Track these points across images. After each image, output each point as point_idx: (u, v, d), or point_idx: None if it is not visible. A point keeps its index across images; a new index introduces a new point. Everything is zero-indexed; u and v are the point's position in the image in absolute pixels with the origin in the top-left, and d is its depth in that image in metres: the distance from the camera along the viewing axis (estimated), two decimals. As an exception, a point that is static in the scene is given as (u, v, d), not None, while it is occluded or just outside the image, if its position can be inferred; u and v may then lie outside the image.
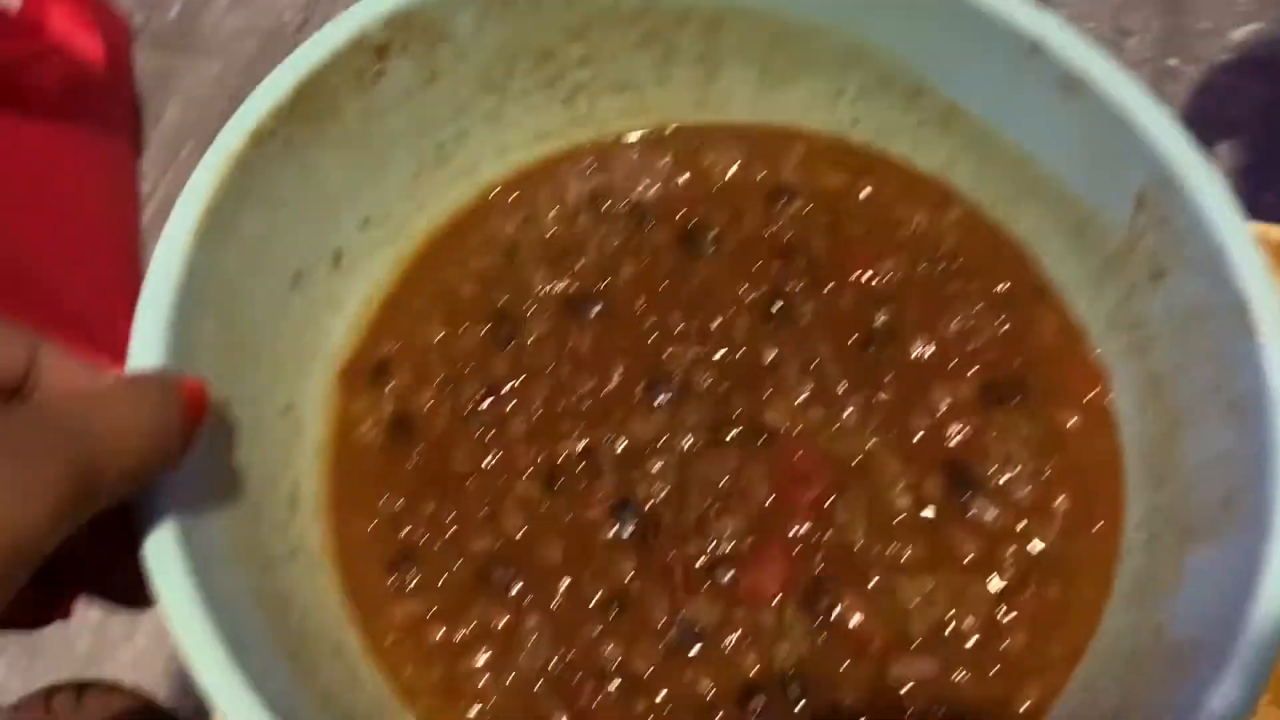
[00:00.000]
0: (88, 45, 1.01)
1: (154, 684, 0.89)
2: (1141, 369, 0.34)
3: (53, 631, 0.96)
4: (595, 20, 0.37)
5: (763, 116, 0.40)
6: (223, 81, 1.24)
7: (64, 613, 0.29)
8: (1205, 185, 0.30)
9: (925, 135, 0.38)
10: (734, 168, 0.40)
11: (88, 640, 0.96)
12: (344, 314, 0.36)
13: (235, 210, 0.31)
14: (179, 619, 0.25)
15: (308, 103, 0.33)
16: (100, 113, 1.10)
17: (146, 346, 0.28)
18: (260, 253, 0.33)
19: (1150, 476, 0.33)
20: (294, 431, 0.34)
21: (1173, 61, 1.11)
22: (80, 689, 0.72)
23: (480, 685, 0.32)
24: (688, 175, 0.40)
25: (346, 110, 0.34)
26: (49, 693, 0.71)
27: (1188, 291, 0.32)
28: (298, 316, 0.34)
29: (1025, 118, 0.35)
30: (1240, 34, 1.15)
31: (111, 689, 0.73)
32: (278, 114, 0.32)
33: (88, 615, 0.97)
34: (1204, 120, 1.13)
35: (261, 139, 0.32)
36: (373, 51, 0.34)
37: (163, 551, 0.26)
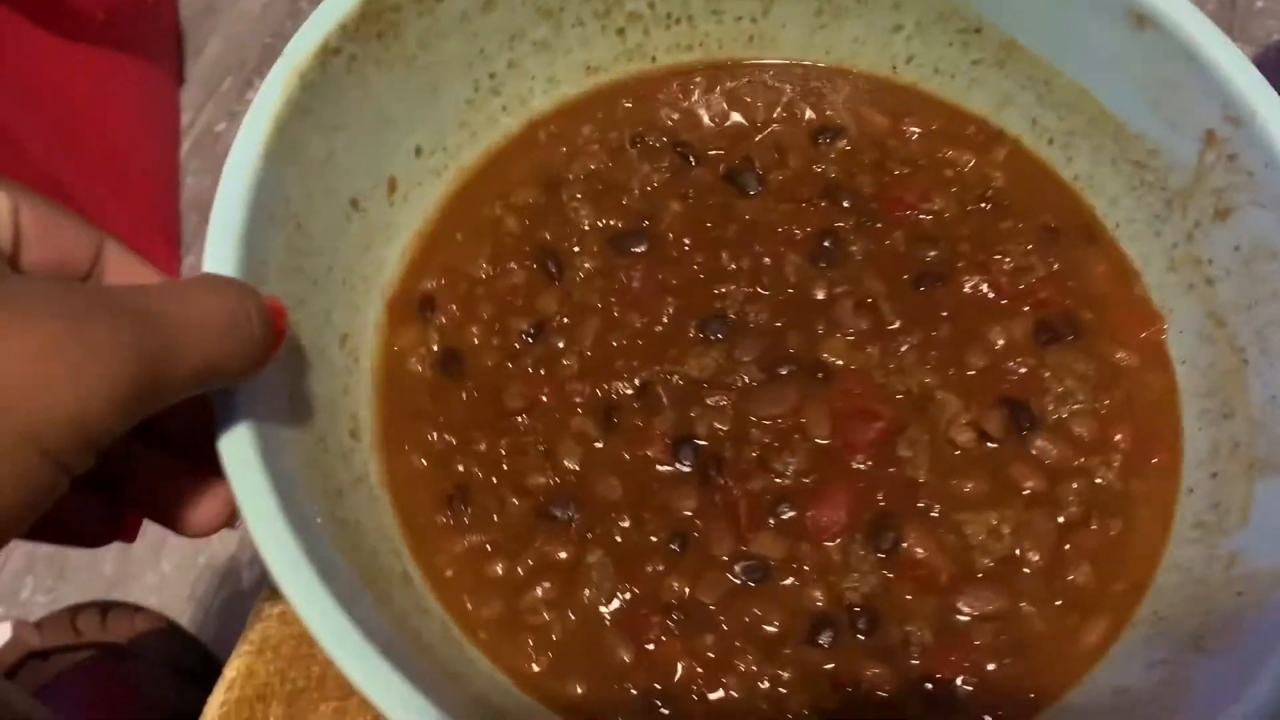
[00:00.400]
0: None
1: (178, 609, 0.88)
2: (1203, 306, 0.33)
3: (78, 553, 0.94)
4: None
5: (815, 54, 0.39)
6: (265, 17, 1.21)
7: (128, 535, 0.27)
8: (1278, 120, 0.30)
9: (981, 73, 0.37)
10: (779, 106, 0.39)
11: (113, 563, 0.94)
12: (396, 244, 0.35)
13: (300, 129, 0.30)
14: (267, 539, 0.24)
15: (372, 21, 0.31)
16: (143, 41, 1.07)
17: (220, 260, 0.27)
18: (322, 175, 0.31)
19: (1215, 412, 0.32)
20: (351, 362, 0.33)
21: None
22: (105, 609, 0.71)
23: (542, 620, 0.31)
24: (733, 113, 0.39)
25: (408, 31, 0.33)
26: (74, 611, 0.70)
27: (1255, 229, 0.31)
28: (354, 244, 0.33)
29: (1089, 54, 0.34)
30: None
31: (136, 610, 0.72)
32: (343, 30, 0.31)
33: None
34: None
35: (326, 56, 0.31)
36: None
37: (247, 468, 0.25)
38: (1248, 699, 0.24)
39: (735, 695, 0.30)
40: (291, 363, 0.29)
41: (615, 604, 0.31)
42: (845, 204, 0.37)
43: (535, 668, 0.30)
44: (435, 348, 0.35)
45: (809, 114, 0.39)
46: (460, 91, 0.36)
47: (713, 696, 0.30)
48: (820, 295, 0.35)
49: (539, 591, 0.31)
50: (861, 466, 0.32)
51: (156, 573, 0.93)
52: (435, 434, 0.33)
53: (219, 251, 0.27)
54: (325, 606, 0.23)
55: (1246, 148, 0.31)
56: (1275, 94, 0.31)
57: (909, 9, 0.37)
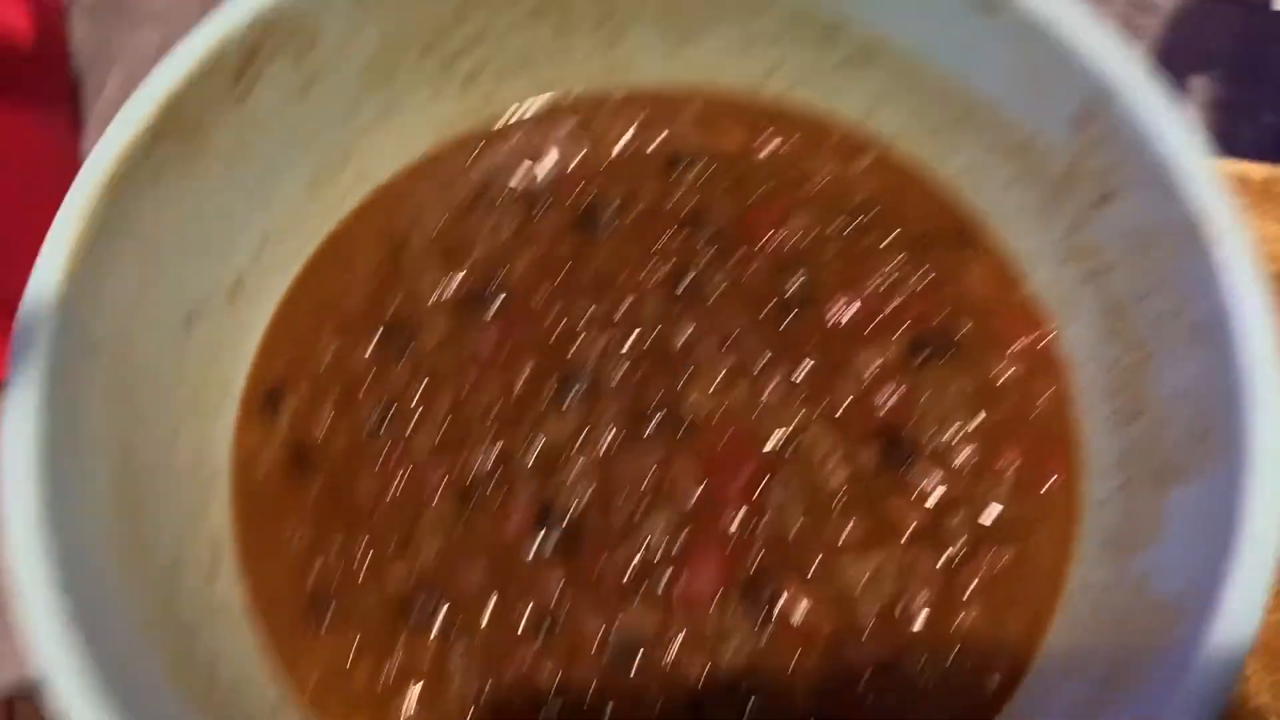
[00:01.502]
0: (13, 18, 0.95)
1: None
2: (1100, 300, 0.30)
3: None
4: (471, 5, 0.32)
5: (674, 76, 0.36)
6: (164, 49, 1.18)
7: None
8: (1145, 98, 0.27)
9: (847, 75, 0.34)
10: (626, 137, 0.36)
11: None
12: (247, 344, 0.32)
13: (110, 250, 0.27)
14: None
15: (173, 128, 0.28)
16: (32, 88, 1.03)
17: (22, 399, 0.24)
18: (145, 293, 0.29)
19: (1120, 415, 0.29)
20: (207, 476, 0.30)
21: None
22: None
23: (405, 728, 0.28)
24: (580, 150, 0.36)
25: (218, 129, 0.30)
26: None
27: (1138, 212, 0.28)
28: (196, 358, 0.30)
29: (952, 43, 0.31)
30: None
31: None
32: (139, 146, 0.28)
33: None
34: (1178, 51, 1.09)
35: (126, 176, 0.28)
36: (232, 71, 0.29)
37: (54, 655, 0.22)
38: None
39: (608, 794, 0.27)
40: (127, 503, 0.26)
41: (485, 697, 0.28)
42: (703, 235, 0.34)
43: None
44: (284, 440, 0.32)
45: (658, 142, 0.36)
46: (298, 177, 0.33)
47: (587, 796, 0.27)
48: (680, 340, 0.32)
49: (409, 697, 0.28)
50: (733, 522, 0.30)
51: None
52: (292, 536, 0.31)
53: (21, 392, 0.24)
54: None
55: (1116, 128, 0.28)
56: (1138, 69, 0.28)
57: (761, 18, 0.34)
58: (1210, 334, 0.26)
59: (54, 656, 0.23)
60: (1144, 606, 0.26)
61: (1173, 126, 0.27)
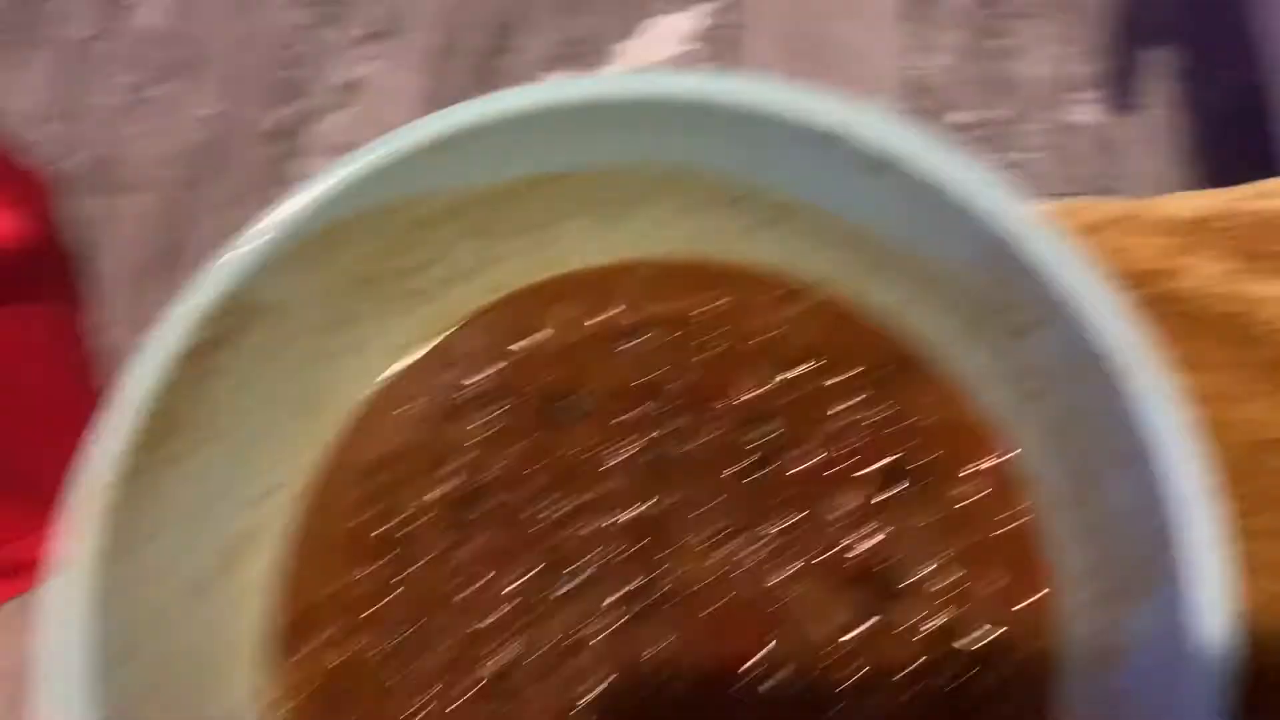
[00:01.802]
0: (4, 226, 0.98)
1: None
2: (1041, 418, 0.31)
3: None
4: (404, 234, 0.34)
5: (608, 257, 0.38)
6: (162, 214, 1.21)
7: None
8: (1037, 244, 0.28)
9: (761, 236, 0.35)
10: (572, 322, 0.37)
11: None
12: (254, 595, 0.34)
13: (121, 563, 0.29)
14: None
15: (162, 429, 0.30)
16: (23, 283, 1.06)
17: None
18: (159, 585, 0.30)
19: (1081, 529, 0.30)
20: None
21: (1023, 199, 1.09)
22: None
23: None
24: (532, 343, 0.37)
25: (201, 417, 0.32)
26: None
27: (1052, 344, 0.29)
28: (203, 620, 0.32)
29: (850, 199, 0.32)
30: None
31: None
32: (133, 457, 0.29)
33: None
34: (1138, 28, 1.09)
35: (127, 482, 0.29)
36: (196, 363, 0.31)
37: None
38: None
39: None
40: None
41: None
42: (660, 408, 0.35)
43: None
44: (314, 686, 0.34)
45: (601, 319, 0.37)
46: (276, 433, 0.34)
47: None
48: (658, 512, 0.34)
49: None
50: (746, 685, 0.31)
51: None
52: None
53: None
54: None
55: (1013, 273, 0.29)
56: (1030, 215, 0.29)
57: (674, 197, 0.35)
58: (1133, 464, 0.27)
59: None
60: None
61: (1066, 266, 0.28)
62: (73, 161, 1.21)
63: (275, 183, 1.16)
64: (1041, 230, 0.28)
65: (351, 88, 1.21)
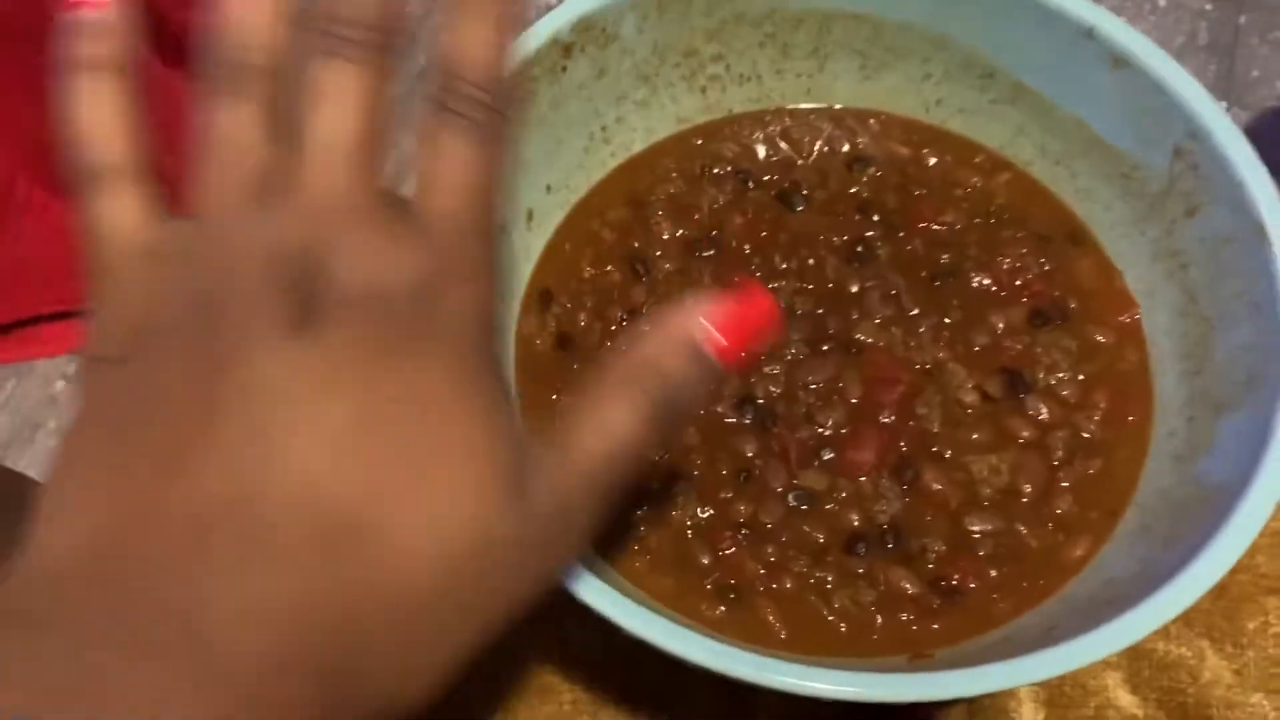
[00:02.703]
0: None
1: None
2: (1180, 288, 0.39)
3: None
4: (728, 24, 0.42)
5: (861, 101, 0.46)
6: None
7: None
8: (1228, 136, 0.36)
9: (997, 111, 0.43)
10: (821, 141, 0.45)
11: None
12: (531, 260, 0.42)
13: None
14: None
15: (519, 90, 0.39)
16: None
17: None
18: None
19: (1190, 370, 0.38)
20: (500, 348, 0.40)
21: (1224, 104, 1.16)
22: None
23: (640, 532, 0.37)
24: (784, 146, 0.45)
25: (541, 98, 0.40)
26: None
27: (1216, 222, 0.37)
28: (504, 261, 0.40)
29: (1081, 91, 0.40)
30: None
31: None
32: None
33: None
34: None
35: None
36: (561, 50, 0.40)
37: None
38: (1186, 575, 0.30)
39: (790, 588, 0.36)
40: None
41: (696, 521, 0.37)
42: (874, 218, 0.43)
43: (639, 566, 0.36)
44: (553, 331, 0.41)
45: (846, 146, 0.45)
46: (579, 142, 0.43)
47: (773, 589, 0.36)
48: (854, 289, 0.41)
49: (639, 512, 0.37)
50: (888, 420, 0.39)
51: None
52: (554, 395, 0.40)
53: None
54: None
55: (1206, 159, 0.37)
56: (1225, 117, 0.37)
57: (936, 61, 0.44)
58: (1263, 309, 0.34)
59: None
60: (1197, 493, 0.34)
61: (1247, 159, 0.36)
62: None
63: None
64: (1230, 130, 0.36)
65: None
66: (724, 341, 0.24)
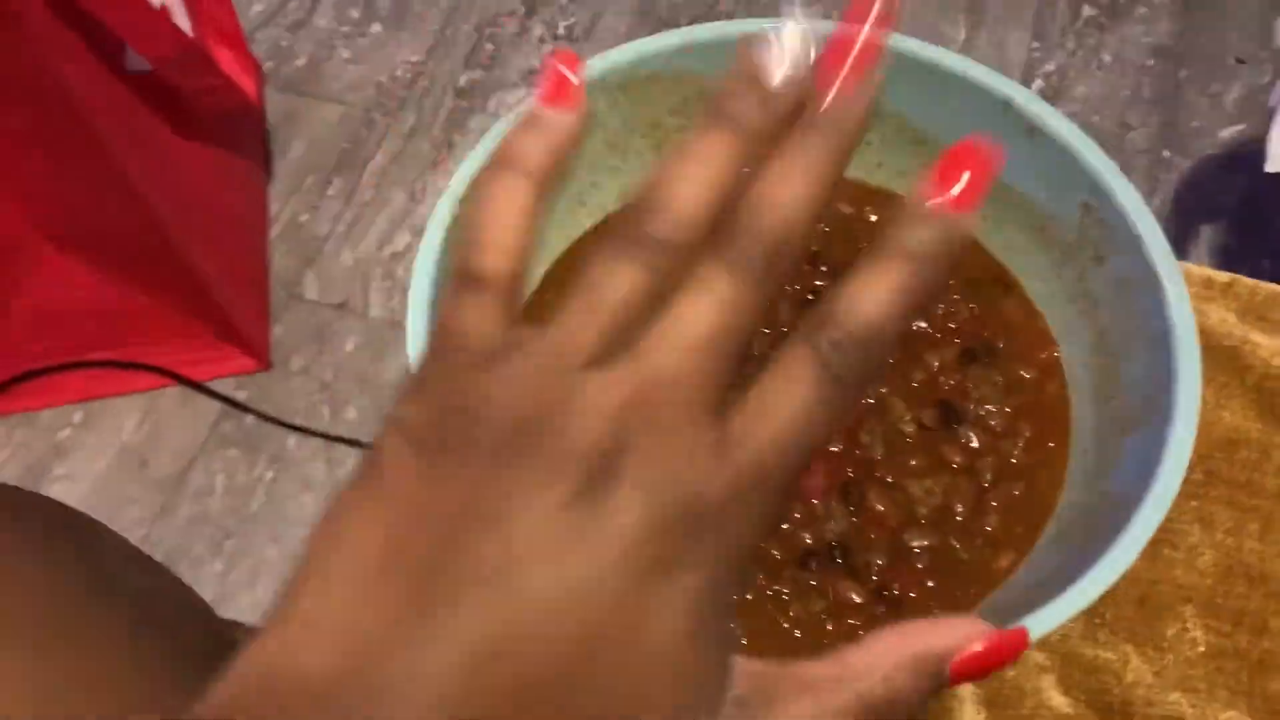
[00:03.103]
0: (245, 85, 1.13)
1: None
2: (1092, 327, 0.43)
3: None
4: (690, 99, 0.47)
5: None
6: (342, 125, 1.34)
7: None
8: (1126, 194, 0.41)
9: (929, 173, 0.48)
10: (776, 201, 0.50)
11: (211, 587, 1.03)
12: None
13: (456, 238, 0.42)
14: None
15: None
16: (246, 142, 1.21)
17: (417, 326, 0.38)
18: None
19: (1101, 398, 0.42)
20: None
21: (1167, 153, 1.24)
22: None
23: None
24: (742, 206, 0.50)
25: None
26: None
27: (1120, 268, 0.42)
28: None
29: (1003, 154, 0.45)
30: (1227, 133, 1.27)
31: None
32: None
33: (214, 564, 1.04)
34: (1192, 204, 1.23)
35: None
36: None
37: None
38: (1089, 575, 0.34)
39: (750, 600, 0.40)
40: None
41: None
42: (824, 268, 0.48)
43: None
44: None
45: (797, 206, 0.50)
46: (560, 205, 0.47)
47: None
48: (807, 332, 0.46)
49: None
50: (836, 449, 0.43)
51: (251, 595, 1.03)
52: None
53: (416, 323, 0.38)
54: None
55: (1108, 214, 0.42)
56: (1123, 177, 0.42)
57: (877, 129, 0.48)
58: (1158, 342, 0.39)
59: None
60: (1104, 504, 0.38)
61: (1141, 214, 0.41)
62: (289, 65, 1.37)
63: (455, 128, 1.32)
64: (1129, 190, 0.41)
65: (535, 74, 1.36)
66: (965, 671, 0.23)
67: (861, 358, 0.22)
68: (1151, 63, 1.33)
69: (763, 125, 0.24)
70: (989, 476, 0.42)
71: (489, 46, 1.40)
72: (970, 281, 0.47)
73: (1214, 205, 1.22)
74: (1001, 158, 0.25)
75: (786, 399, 0.22)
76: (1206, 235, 1.19)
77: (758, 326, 0.23)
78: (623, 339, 0.22)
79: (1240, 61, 1.32)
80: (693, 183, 0.23)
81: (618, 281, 0.22)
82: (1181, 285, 0.39)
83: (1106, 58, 1.32)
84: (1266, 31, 1.34)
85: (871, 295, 0.23)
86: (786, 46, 0.24)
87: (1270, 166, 0.83)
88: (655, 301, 0.22)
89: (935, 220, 0.24)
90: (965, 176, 0.25)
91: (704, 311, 0.22)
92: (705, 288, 0.22)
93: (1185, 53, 1.33)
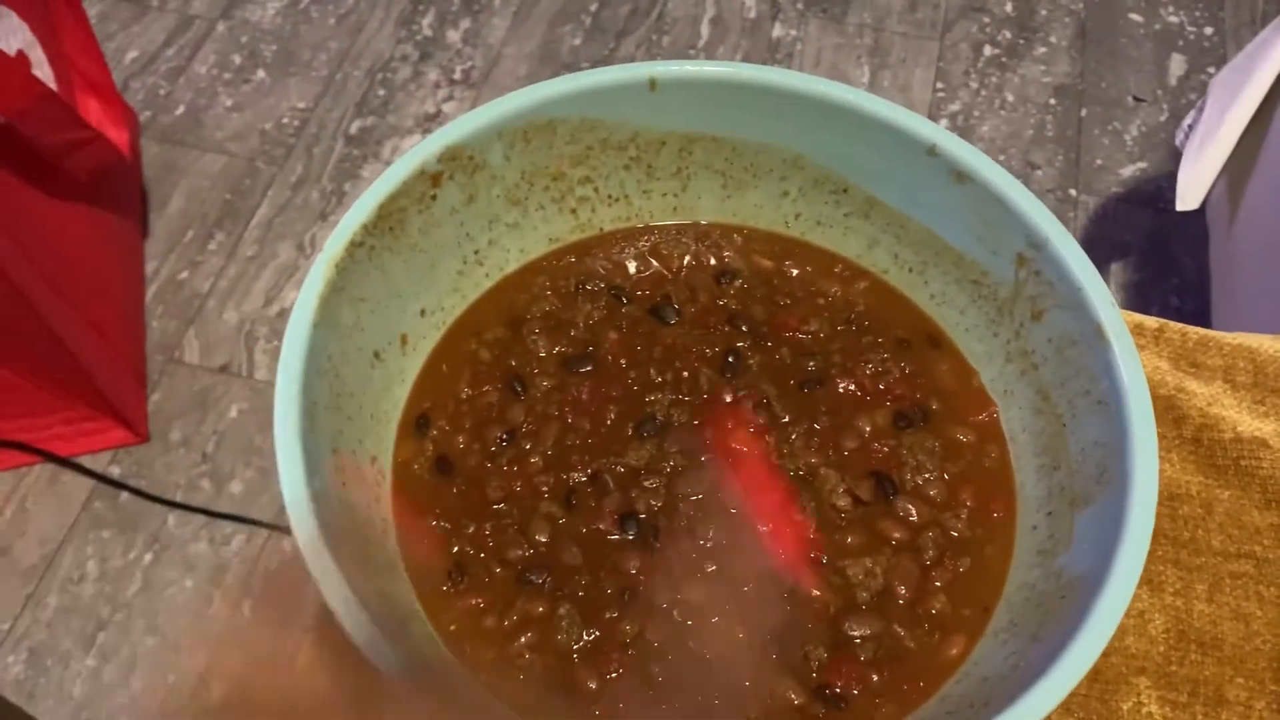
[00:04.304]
0: (118, 137, 1.06)
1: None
2: (1033, 387, 0.41)
3: (46, 676, 0.96)
4: (593, 149, 0.44)
5: (724, 217, 0.47)
6: (225, 175, 1.28)
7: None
8: (1065, 243, 0.39)
9: (852, 223, 0.45)
10: (689, 256, 0.47)
11: (82, 684, 0.95)
12: (406, 383, 0.42)
13: (337, 303, 0.37)
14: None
15: (385, 219, 0.39)
16: (118, 197, 1.14)
17: (287, 401, 0.34)
18: (353, 336, 0.39)
19: (1047, 466, 0.40)
20: (379, 476, 0.39)
21: (1073, 191, 1.25)
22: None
23: (526, 661, 0.37)
24: (654, 262, 0.47)
25: (410, 225, 0.41)
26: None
27: (1061, 324, 0.40)
28: (378, 386, 0.40)
29: (928, 203, 0.43)
30: (1129, 171, 1.29)
31: None
32: (365, 228, 0.39)
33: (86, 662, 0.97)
34: (1099, 241, 1.24)
35: (353, 248, 0.38)
36: (429, 180, 0.41)
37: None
38: (1056, 670, 0.31)
39: (680, 708, 0.36)
40: (349, 481, 0.36)
41: (582, 644, 0.37)
42: (743, 328, 0.45)
43: (526, 695, 0.36)
44: (430, 455, 0.41)
45: (713, 261, 0.47)
46: (453, 265, 0.44)
47: (662, 709, 0.36)
48: (728, 399, 0.43)
49: (523, 639, 0.37)
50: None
51: (126, 692, 0.95)
52: (435, 522, 0.40)
53: (286, 397, 0.34)
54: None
55: (1046, 265, 0.40)
56: (1060, 226, 0.39)
57: (793, 179, 0.46)
58: (1108, 405, 0.37)
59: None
60: (1059, 587, 0.36)
61: (1082, 264, 0.38)
62: (168, 115, 1.31)
63: (346, 177, 1.26)
64: (1067, 239, 0.39)
65: (431, 119, 1.32)
66: None
67: None
68: (1053, 101, 1.35)
69: None
70: (931, 553, 0.39)
71: (381, 92, 1.36)
72: (900, 340, 0.44)
73: (1121, 243, 1.24)
74: None
75: None
76: (1115, 272, 1.20)
77: None
78: None
79: (1139, 100, 1.34)
80: None
81: None
82: (1129, 341, 0.37)
83: (1010, 97, 1.34)
84: (1161, 70, 1.37)
85: None
86: None
87: (1181, 205, 0.83)
88: None
89: None
90: None
91: None
92: None
93: (1085, 91, 1.35)
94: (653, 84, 0.42)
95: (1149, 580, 0.49)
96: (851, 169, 0.44)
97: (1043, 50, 1.38)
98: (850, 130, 0.43)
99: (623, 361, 0.44)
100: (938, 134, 0.41)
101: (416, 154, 0.40)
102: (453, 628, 0.38)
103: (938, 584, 0.39)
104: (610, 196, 0.46)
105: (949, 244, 0.43)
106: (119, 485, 1.04)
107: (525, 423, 0.42)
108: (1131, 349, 0.37)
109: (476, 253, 0.45)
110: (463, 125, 0.41)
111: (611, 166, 0.45)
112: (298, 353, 0.35)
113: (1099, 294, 0.38)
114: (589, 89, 0.42)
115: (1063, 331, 0.39)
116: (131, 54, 1.36)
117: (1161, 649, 0.46)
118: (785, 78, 0.43)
